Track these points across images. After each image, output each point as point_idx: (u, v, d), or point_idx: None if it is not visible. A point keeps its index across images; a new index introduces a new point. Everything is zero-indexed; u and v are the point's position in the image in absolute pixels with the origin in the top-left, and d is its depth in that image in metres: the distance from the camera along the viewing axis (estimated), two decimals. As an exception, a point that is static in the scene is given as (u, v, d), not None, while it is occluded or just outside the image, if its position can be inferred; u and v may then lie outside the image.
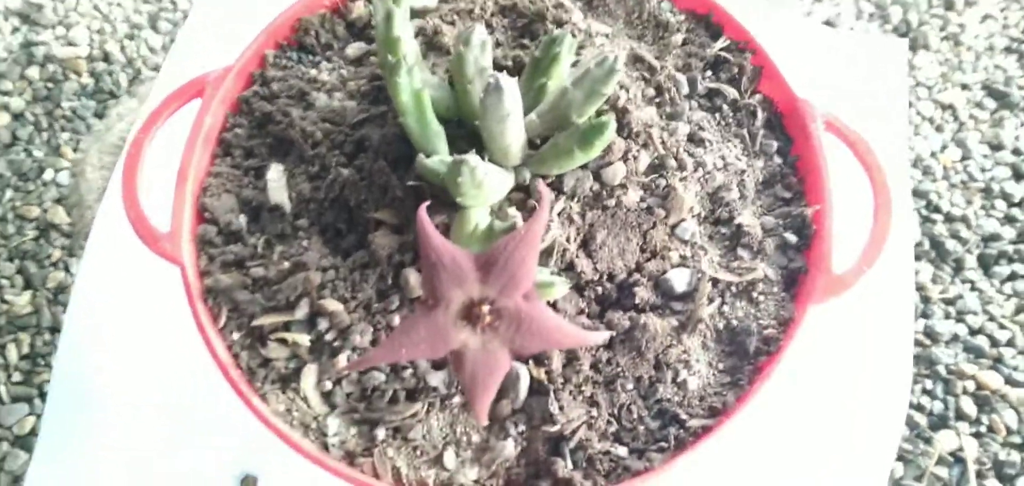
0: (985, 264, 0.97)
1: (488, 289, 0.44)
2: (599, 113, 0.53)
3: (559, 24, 0.61)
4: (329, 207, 0.56)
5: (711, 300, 0.55)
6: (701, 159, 0.58)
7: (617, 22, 0.64)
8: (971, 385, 0.95)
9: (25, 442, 1.17)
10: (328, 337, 0.52)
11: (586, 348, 0.53)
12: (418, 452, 0.52)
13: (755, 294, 0.56)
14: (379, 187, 0.55)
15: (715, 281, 0.55)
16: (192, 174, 0.56)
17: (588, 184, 0.56)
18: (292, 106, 0.59)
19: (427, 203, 0.45)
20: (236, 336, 0.53)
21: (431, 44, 0.60)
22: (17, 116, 1.36)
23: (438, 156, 0.53)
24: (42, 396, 1.20)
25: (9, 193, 1.32)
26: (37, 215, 1.32)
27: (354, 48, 0.63)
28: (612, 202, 0.55)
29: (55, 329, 1.25)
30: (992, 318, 1.15)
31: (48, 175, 1.33)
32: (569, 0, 0.64)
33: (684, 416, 0.53)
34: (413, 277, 0.53)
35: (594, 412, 0.53)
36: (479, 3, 0.63)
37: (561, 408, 0.52)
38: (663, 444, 0.52)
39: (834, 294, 0.54)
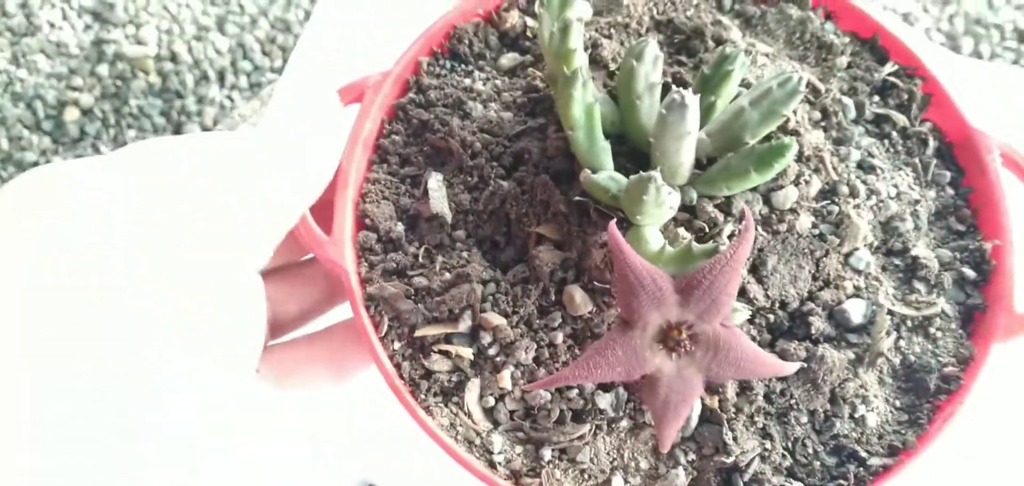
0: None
1: (687, 313, 0.43)
2: (771, 136, 0.51)
3: (718, 41, 0.59)
4: (488, 219, 0.55)
5: (888, 334, 0.52)
6: (874, 186, 0.56)
7: (777, 41, 0.62)
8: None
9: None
10: (491, 352, 0.51)
11: (761, 378, 0.51)
12: (586, 476, 0.50)
13: (932, 330, 0.53)
14: (540, 201, 0.54)
15: (891, 314, 0.53)
16: (352, 179, 0.54)
17: (758, 207, 0.53)
18: (450, 115, 0.58)
19: (614, 219, 0.43)
20: (397, 346, 0.51)
21: (590, 58, 0.59)
22: (86, 112, 1.35)
23: (606, 172, 0.51)
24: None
25: (76, 190, 1.29)
26: (104, 213, 1.29)
27: (508, 59, 0.62)
28: (783, 227, 0.53)
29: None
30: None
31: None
32: (727, 18, 0.62)
33: (863, 453, 0.50)
34: (578, 295, 0.51)
35: (768, 445, 0.50)
36: (636, 17, 0.61)
37: (735, 439, 0.50)
38: (842, 482, 0.50)
39: (1016, 334, 0.51)
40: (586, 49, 0.59)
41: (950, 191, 0.59)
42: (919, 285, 0.54)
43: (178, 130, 1.36)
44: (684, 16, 0.61)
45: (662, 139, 0.49)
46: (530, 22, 0.63)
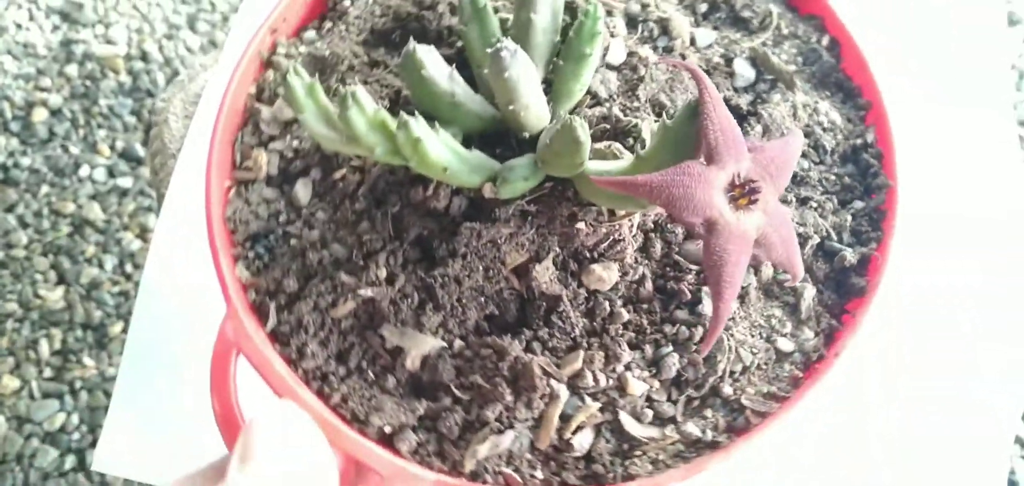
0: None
1: (728, 169, 0.44)
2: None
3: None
4: (463, 309, 0.53)
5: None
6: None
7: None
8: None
9: (55, 439, 1.14)
10: (602, 383, 0.51)
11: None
12: (763, 366, 0.54)
13: (784, 30, 0.66)
14: (486, 246, 0.53)
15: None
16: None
17: (611, 76, 0.60)
18: (323, 280, 0.56)
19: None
20: (541, 474, 0.49)
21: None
22: (55, 112, 1.35)
23: (502, 170, 0.52)
24: (74, 393, 1.17)
25: (45, 188, 1.31)
26: (72, 211, 1.31)
27: (301, 189, 0.60)
28: (639, 70, 0.61)
29: (88, 325, 1.24)
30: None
31: (84, 171, 1.32)
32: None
33: (857, 141, 0.61)
34: (598, 269, 0.52)
35: (813, 204, 0.59)
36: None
37: (801, 223, 0.59)
38: (873, 167, 0.60)
39: None
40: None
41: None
42: (746, 14, 0.67)
43: (149, 129, 1.36)
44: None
45: (519, 98, 0.49)
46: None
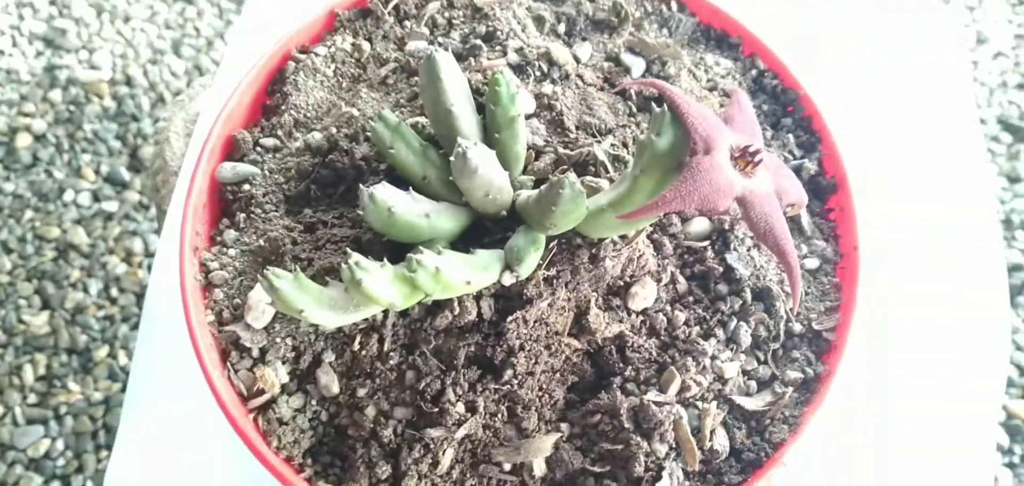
0: (1011, 295, 1.01)
1: (743, 138, 0.47)
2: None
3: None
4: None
5: None
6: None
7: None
8: (1002, 415, 0.97)
9: (40, 465, 1.13)
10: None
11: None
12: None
13: None
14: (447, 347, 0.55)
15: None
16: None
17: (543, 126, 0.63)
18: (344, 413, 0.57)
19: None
20: None
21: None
22: (39, 138, 1.35)
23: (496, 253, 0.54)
24: (58, 418, 1.16)
25: (29, 214, 1.30)
26: (57, 236, 1.30)
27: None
28: (571, 83, 0.67)
29: (73, 350, 1.23)
30: (1020, 348, 1.19)
31: (68, 196, 1.32)
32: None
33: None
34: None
35: None
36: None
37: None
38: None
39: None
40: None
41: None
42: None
43: (134, 153, 1.36)
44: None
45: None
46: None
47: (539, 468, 0.52)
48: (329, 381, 0.55)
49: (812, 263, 0.61)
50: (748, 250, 0.59)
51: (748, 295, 0.57)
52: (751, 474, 0.52)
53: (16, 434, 1.12)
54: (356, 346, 0.55)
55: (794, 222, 0.60)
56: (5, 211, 1.28)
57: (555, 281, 0.54)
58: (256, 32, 0.86)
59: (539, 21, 0.70)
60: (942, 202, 0.79)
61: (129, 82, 1.41)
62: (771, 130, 0.66)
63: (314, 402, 0.55)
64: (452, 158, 0.49)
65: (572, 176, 0.47)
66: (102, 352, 1.18)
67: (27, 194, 1.30)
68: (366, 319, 0.54)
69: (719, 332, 0.56)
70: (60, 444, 1.12)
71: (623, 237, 0.55)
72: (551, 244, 0.54)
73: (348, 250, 0.45)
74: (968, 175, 0.81)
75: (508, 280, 0.52)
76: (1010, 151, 1.29)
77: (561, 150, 0.58)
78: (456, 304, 0.53)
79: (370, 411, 0.54)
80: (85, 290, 1.24)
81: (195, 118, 0.84)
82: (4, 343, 1.17)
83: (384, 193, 0.49)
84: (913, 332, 0.73)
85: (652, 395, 0.52)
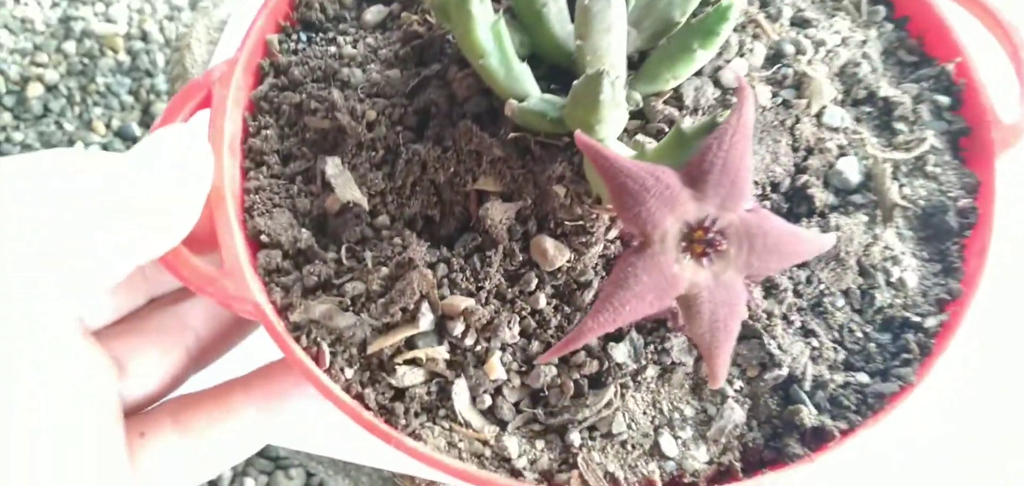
0: None
1: (707, 205, 0.36)
2: (698, 10, 0.46)
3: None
4: (412, 194, 0.48)
5: (892, 181, 0.50)
6: (818, 38, 0.53)
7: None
8: None
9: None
10: (468, 342, 0.44)
11: (783, 271, 0.47)
12: (628, 447, 0.44)
13: (929, 167, 0.50)
14: (470, 153, 0.47)
15: (889, 163, 0.50)
16: (229, 194, 0.46)
17: (710, 91, 0.48)
18: (325, 89, 0.51)
19: (582, 135, 0.37)
20: (350, 373, 0.44)
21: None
22: (51, 88, 1.33)
23: (534, 97, 0.45)
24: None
25: (37, 163, 1.27)
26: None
27: (373, 13, 0.55)
28: None
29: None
30: None
31: (78, 148, 1.29)
32: None
33: (915, 318, 0.46)
34: (549, 245, 0.45)
35: (814, 342, 0.45)
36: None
37: (780, 347, 0.45)
38: (906, 355, 0.45)
39: (1012, 145, 0.49)
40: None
41: (889, 26, 0.56)
42: (899, 125, 0.52)
43: (147, 109, 1.34)
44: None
45: (590, 37, 0.43)
46: None
47: (331, 204, 0.48)
48: (375, 17, 0.55)
49: (668, 446, 0.45)
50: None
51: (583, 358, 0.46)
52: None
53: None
54: (406, 17, 0.54)
55: (714, 404, 0.46)
56: (14, 160, 1.26)
57: (527, 156, 0.47)
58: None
59: None
60: None
61: (145, 37, 1.38)
62: (846, 363, 0.48)
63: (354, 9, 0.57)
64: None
65: (611, 78, 0.38)
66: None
67: (36, 144, 1.28)
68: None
69: (534, 345, 0.45)
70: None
71: (599, 201, 0.46)
72: (564, 137, 0.46)
73: None
74: None
75: (508, 110, 0.45)
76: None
77: (686, 122, 0.49)
78: (467, 73, 0.48)
79: (358, 51, 0.53)
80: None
81: (220, 26, 0.81)
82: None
83: None
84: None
85: (430, 279, 0.45)
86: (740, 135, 0.36)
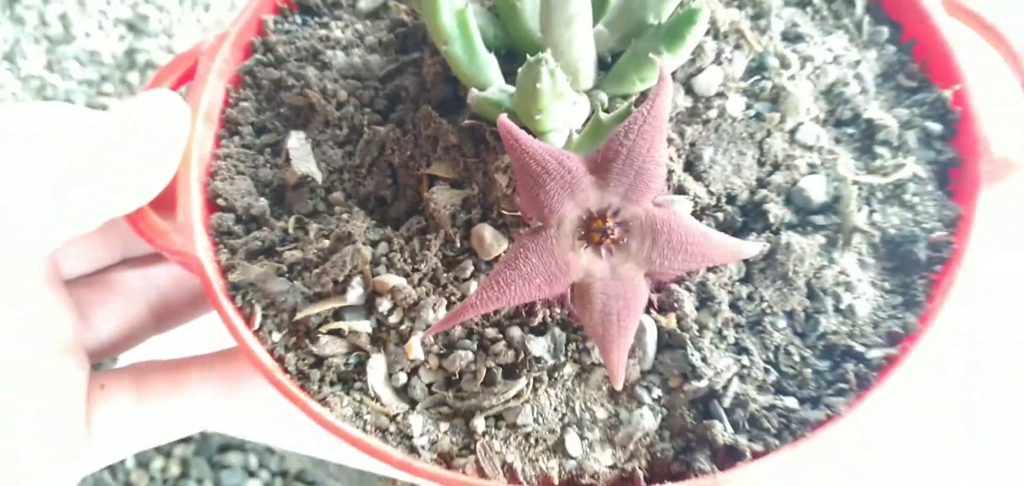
0: None
1: (609, 195, 0.35)
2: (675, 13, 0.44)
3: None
4: (368, 173, 0.48)
5: (859, 207, 0.45)
6: (806, 54, 0.49)
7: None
8: None
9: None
10: (392, 320, 0.44)
11: (722, 284, 0.44)
12: (532, 440, 0.42)
13: (908, 196, 0.46)
14: (427, 138, 0.47)
15: (857, 185, 0.46)
16: (196, 157, 0.47)
17: (680, 98, 0.47)
18: (304, 67, 0.52)
19: (503, 115, 0.36)
20: (277, 336, 0.44)
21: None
22: (115, 118, 1.40)
23: (494, 87, 0.45)
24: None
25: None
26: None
27: (367, 0, 0.56)
28: (713, 114, 0.47)
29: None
30: None
31: (69, 104, 1.35)
32: None
33: (859, 348, 0.43)
34: (487, 233, 0.44)
35: (745, 360, 0.43)
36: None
37: (704, 359, 0.42)
38: (842, 385, 0.42)
39: (1000, 179, 0.45)
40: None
41: (891, 48, 0.52)
42: (881, 150, 0.48)
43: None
44: None
45: (551, 30, 0.41)
46: None
47: (290, 176, 0.50)
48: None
49: (573, 444, 0.44)
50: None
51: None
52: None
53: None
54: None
55: (628, 407, 0.44)
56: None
57: (480, 145, 0.47)
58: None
59: None
60: None
61: (203, 67, 1.45)
62: (777, 369, 0.45)
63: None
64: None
65: (550, 67, 0.38)
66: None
67: (99, 169, 1.35)
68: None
69: (456, 331, 0.45)
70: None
71: None
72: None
73: None
74: None
75: (469, 98, 0.45)
76: None
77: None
78: (434, 59, 0.50)
79: (347, 35, 0.55)
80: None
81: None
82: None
83: None
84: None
85: (365, 255, 0.46)
86: (650, 126, 0.34)
